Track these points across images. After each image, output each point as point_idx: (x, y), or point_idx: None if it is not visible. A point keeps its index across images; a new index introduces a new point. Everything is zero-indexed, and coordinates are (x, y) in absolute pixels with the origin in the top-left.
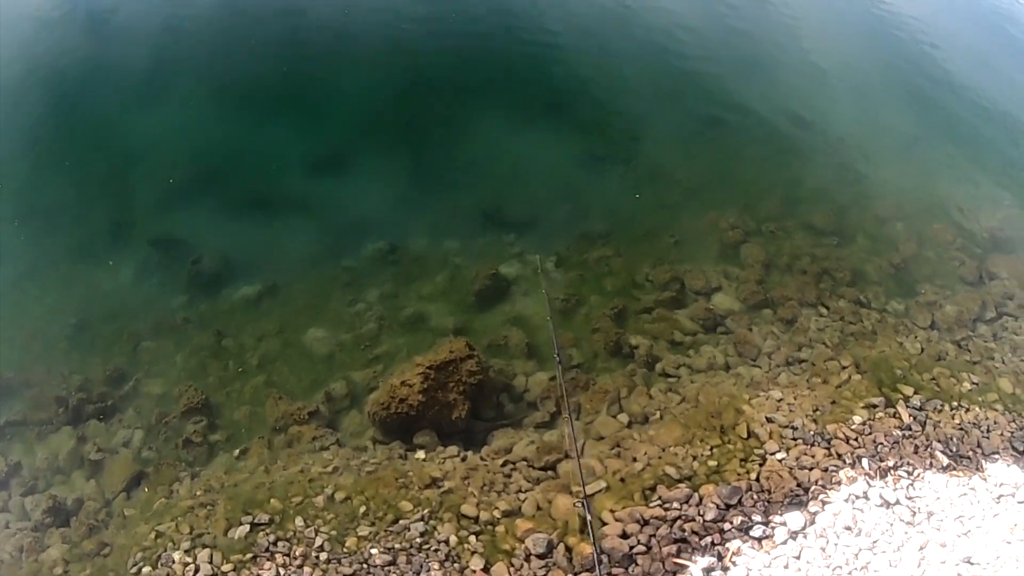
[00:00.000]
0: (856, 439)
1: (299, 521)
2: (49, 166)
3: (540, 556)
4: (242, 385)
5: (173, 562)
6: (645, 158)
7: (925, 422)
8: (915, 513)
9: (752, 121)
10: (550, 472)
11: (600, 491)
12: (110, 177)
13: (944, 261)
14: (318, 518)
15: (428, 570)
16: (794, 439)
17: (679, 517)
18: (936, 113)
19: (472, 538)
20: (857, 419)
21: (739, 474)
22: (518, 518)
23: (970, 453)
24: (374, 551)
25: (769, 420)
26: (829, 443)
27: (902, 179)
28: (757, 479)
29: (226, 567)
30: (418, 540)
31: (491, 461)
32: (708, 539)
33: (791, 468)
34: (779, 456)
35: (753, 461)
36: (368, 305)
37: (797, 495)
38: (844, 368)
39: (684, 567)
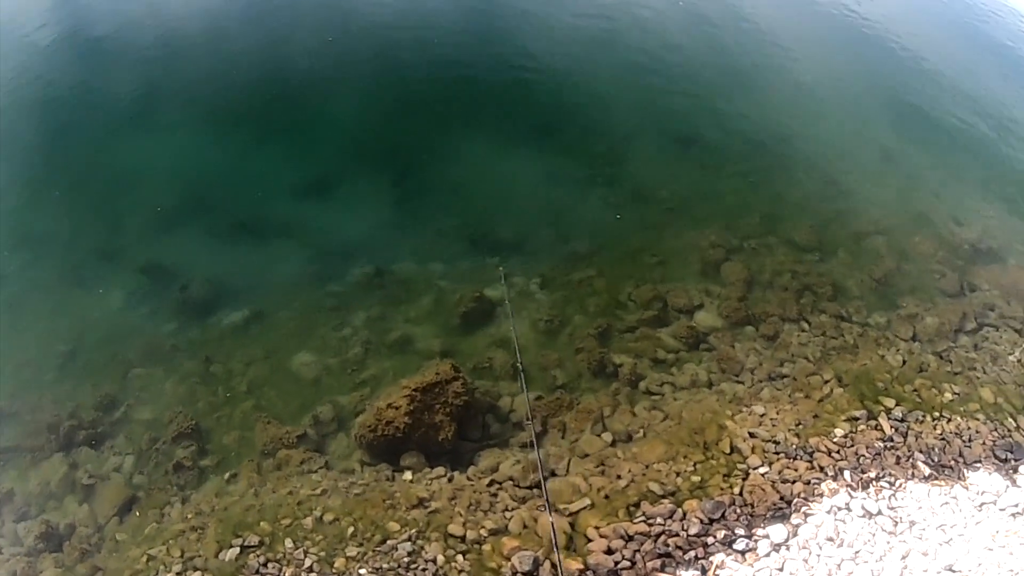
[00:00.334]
0: (838, 452)
1: (288, 543)
2: (39, 194)
3: (526, 573)
4: (231, 410)
5: None
6: (628, 178)
7: (907, 433)
8: (897, 523)
9: (732, 139)
10: (535, 490)
11: (585, 508)
12: (99, 204)
13: (925, 274)
14: (307, 539)
15: None
16: (776, 453)
17: (663, 532)
18: (916, 125)
19: (459, 557)
20: (839, 432)
21: (722, 489)
22: (504, 536)
23: (952, 463)
24: (363, 571)
25: (752, 435)
26: (811, 456)
27: (882, 193)
28: (740, 493)
29: None
30: (406, 560)
31: (477, 481)
32: (692, 553)
33: (774, 482)
34: (762, 470)
35: (736, 476)
36: (354, 329)
37: (780, 508)
38: (826, 382)
39: None
